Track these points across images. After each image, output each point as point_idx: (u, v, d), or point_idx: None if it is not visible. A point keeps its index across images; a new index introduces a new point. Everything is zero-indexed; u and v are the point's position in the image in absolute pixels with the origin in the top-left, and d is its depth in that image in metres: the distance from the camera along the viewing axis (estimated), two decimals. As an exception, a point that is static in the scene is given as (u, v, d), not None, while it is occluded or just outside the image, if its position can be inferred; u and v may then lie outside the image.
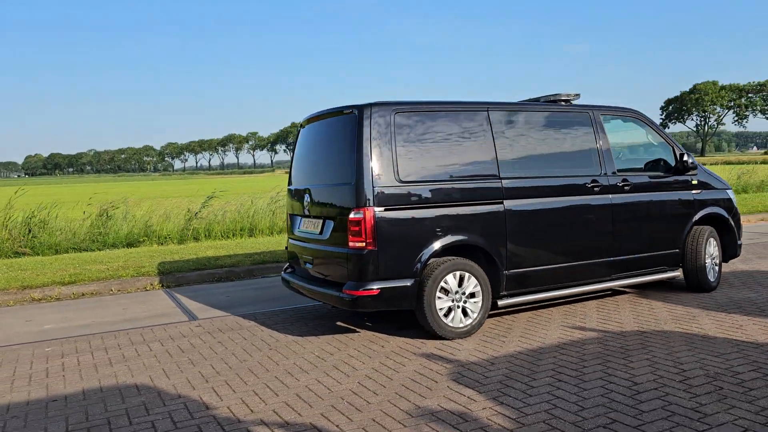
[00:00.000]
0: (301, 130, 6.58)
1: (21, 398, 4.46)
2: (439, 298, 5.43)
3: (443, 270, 5.42)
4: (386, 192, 5.27)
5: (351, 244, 5.28)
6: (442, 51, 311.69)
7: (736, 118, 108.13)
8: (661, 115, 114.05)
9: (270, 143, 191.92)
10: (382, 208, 5.24)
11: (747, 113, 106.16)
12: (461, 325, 5.52)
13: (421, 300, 5.35)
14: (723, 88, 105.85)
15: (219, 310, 7.16)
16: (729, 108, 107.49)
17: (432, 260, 5.42)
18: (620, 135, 6.68)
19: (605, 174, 6.34)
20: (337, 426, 3.70)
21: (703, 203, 6.93)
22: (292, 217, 6.54)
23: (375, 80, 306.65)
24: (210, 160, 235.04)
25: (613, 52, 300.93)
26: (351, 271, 5.30)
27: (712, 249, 6.96)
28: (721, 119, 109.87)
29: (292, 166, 6.72)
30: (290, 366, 4.93)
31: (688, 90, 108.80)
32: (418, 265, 5.34)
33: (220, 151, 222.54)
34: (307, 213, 6.05)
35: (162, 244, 12.72)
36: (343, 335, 5.81)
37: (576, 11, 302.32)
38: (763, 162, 48.86)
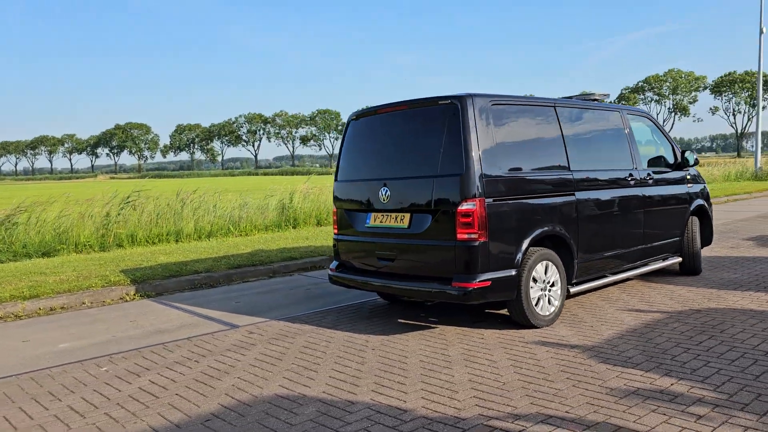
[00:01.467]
0: (354, 123, 6.32)
1: (142, 428, 3.82)
2: (531, 287, 5.55)
3: (535, 260, 5.55)
4: (491, 183, 5.27)
5: (460, 235, 5.21)
6: (277, 55, 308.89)
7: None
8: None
9: (90, 146, 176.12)
10: (491, 199, 5.24)
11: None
12: (547, 313, 5.68)
13: (519, 290, 5.43)
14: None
15: (247, 316, 6.60)
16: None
17: (529, 250, 5.53)
18: (635, 133, 7.28)
19: (636, 168, 6.89)
20: (568, 409, 3.67)
21: (694, 196, 7.78)
22: (349, 212, 6.23)
23: (199, 80, 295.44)
24: (16, 164, 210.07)
25: (439, 63, 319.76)
26: (459, 264, 5.22)
27: (699, 236, 7.85)
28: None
29: (342, 160, 6.42)
30: (420, 363, 4.73)
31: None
32: (519, 255, 5.42)
33: (29, 154, 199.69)
34: (384, 207, 5.81)
35: (81, 251, 11.30)
36: (425, 331, 5.68)
37: (404, 23, 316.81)
38: None
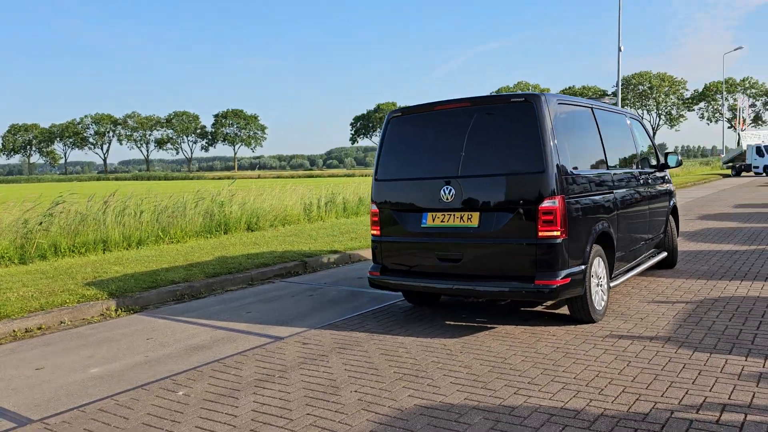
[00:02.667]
0: (397, 120, 6.09)
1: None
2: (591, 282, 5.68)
3: (594, 255, 5.69)
4: (565, 180, 5.33)
5: (542, 233, 5.19)
6: (126, 52, 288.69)
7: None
8: (351, 130, 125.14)
9: None
10: (566, 197, 5.29)
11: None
12: (600, 307, 5.84)
13: (585, 285, 5.53)
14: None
15: (276, 326, 6.10)
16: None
17: (593, 246, 5.64)
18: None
19: (641, 167, 7.32)
20: (725, 396, 3.79)
21: (671, 195, 8.42)
22: (397, 213, 5.97)
23: (37, 77, 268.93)
24: None
25: (290, 68, 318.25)
26: (541, 262, 5.20)
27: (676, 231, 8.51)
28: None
29: (384, 158, 6.14)
30: (525, 362, 4.66)
31: (373, 109, 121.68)
32: (587, 252, 5.52)
33: None
34: (446, 206, 5.63)
35: (-2, 265, 9.79)
36: (488, 332, 5.58)
37: (251, 28, 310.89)
38: None
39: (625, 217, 6.46)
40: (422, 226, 5.79)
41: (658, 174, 8.08)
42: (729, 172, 47.84)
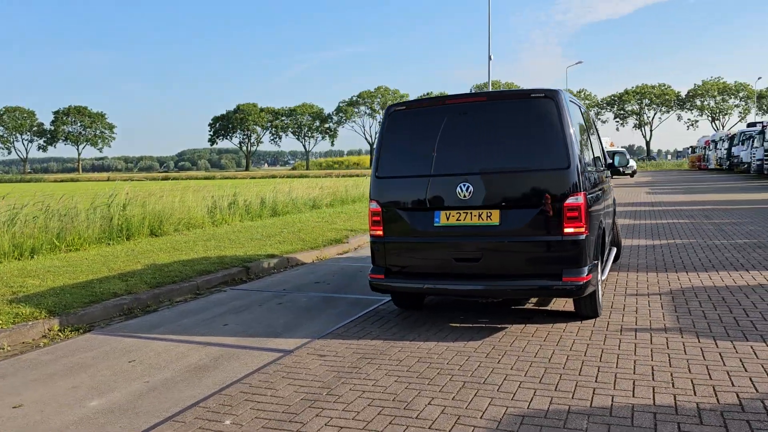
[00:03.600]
0: (398, 114, 5.78)
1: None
2: None
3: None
4: (585, 176, 5.34)
5: (567, 230, 5.16)
6: None
7: (272, 138, 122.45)
8: (210, 131, 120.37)
9: None
10: (587, 193, 5.30)
11: (281, 134, 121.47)
12: (601, 301, 5.95)
13: (597, 281, 5.59)
14: (262, 110, 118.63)
15: (269, 338, 5.54)
16: (267, 128, 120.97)
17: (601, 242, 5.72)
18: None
19: (603, 166, 7.60)
20: (792, 384, 3.97)
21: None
22: (404, 212, 5.64)
23: None
24: None
25: (137, 65, 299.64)
26: (567, 259, 5.16)
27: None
28: (260, 138, 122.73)
29: (386, 155, 5.78)
30: (565, 358, 4.59)
31: (233, 110, 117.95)
32: (599, 247, 5.58)
33: None
34: (463, 204, 5.41)
35: None
36: (503, 331, 5.46)
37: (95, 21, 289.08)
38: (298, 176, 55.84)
39: (606, 213, 6.66)
40: (435, 225, 5.52)
41: (609, 172, 8.46)
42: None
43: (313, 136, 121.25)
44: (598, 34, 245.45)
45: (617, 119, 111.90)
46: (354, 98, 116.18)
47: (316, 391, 4.17)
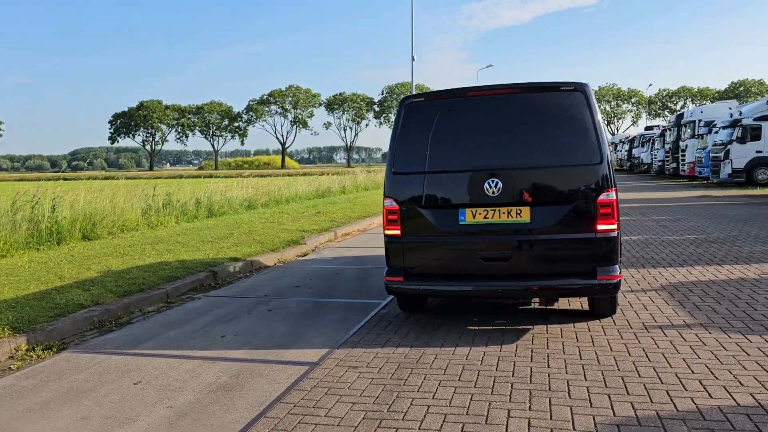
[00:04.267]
0: (415, 106, 5.43)
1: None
2: None
3: None
4: (613, 171, 5.22)
5: (601, 227, 5.00)
6: None
7: (178, 136, 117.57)
8: (110, 129, 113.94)
9: None
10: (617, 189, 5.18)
11: (188, 132, 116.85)
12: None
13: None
14: (168, 107, 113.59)
15: (282, 350, 5.04)
16: (173, 126, 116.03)
17: None
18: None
19: None
20: None
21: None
22: (426, 210, 5.29)
23: None
24: None
25: (27, 60, 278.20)
26: (600, 256, 5.01)
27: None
28: (165, 137, 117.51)
29: (403, 149, 5.41)
30: (627, 361, 4.43)
31: (135, 106, 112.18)
32: (621, 245, 5.47)
33: None
34: (490, 201, 5.13)
35: None
36: (528, 335, 5.24)
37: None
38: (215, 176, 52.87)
39: None
40: (460, 223, 5.22)
41: None
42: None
43: (222, 135, 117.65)
44: (501, 40, 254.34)
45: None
46: (265, 97, 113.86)
47: (374, 408, 3.76)
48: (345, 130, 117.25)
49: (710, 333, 5.06)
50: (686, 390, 3.87)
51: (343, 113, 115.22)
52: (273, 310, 6.41)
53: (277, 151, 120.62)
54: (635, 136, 52.33)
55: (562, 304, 6.23)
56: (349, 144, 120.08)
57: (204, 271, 8.08)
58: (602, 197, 5.00)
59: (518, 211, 5.11)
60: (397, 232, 5.38)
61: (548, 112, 5.19)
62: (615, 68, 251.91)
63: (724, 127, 26.49)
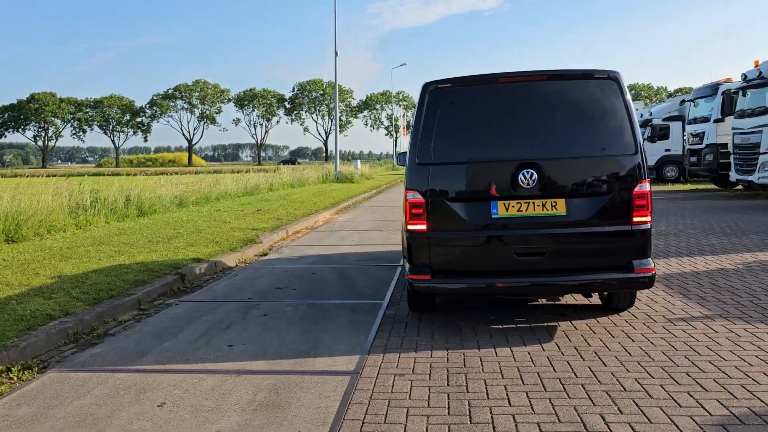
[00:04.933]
0: (441, 92, 5.08)
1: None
2: None
3: None
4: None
5: (636, 219, 4.87)
6: None
7: (74, 132, 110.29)
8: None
9: None
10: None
11: (85, 127, 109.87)
12: (629, 292, 5.79)
13: None
14: (63, 100, 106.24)
15: (307, 358, 4.56)
16: (68, 121, 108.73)
17: None
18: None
19: None
20: None
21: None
22: (454, 202, 4.96)
23: None
24: None
25: None
26: (636, 249, 4.87)
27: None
28: (60, 132, 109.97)
29: (428, 137, 5.04)
30: (677, 356, 4.32)
31: (26, 99, 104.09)
32: None
33: None
34: (524, 193, 4.87)
35: None
36: (559, 333, 5.07)
37: None
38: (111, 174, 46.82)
39: None
40: (493, 217, 4.94)
41: None
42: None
43: (123, 131, 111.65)
44: (407, 40, 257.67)
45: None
46: (170, 91, 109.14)
47: (456, 421, 3.41)
48: (255, 126, 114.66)
49: (735, 324, 5.08)
50: (759, 384, 3.79)
51: (253, 109, 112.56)
52: (269, 315, 5.87)
53: (180, 148, 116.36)
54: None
55: (568, 298, 6.11)
56: (259, 141, 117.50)
57: (171, 274, 7.36)
58: (638, 188, 4.88)
59: (554, 204, 4.90)
60: (423, 227, 5.02)
61: (581, 100, 5.01)
62: (520, 68, 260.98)
63: (635, 127, 27.88)
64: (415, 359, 4.48)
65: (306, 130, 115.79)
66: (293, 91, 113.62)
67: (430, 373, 4.17)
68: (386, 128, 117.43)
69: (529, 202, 4.90)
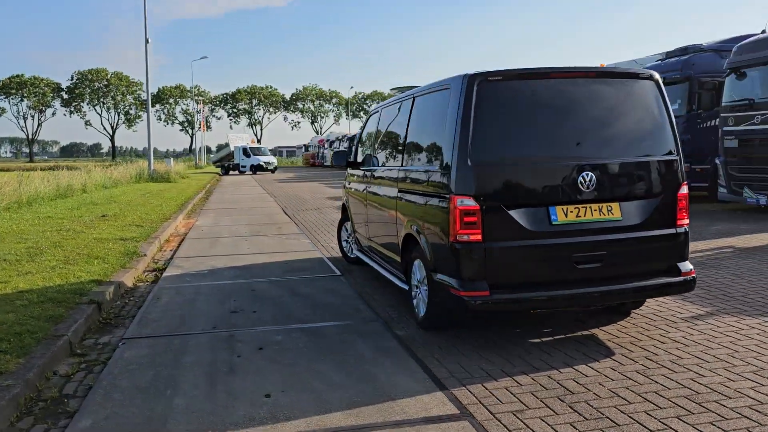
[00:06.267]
0: (488, 85, 4.51)
1: None
2: None
3: None
4: None
5: (680, 222, 4.83)
6: None
7: None
8: None
9: None
10: None
11: None
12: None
13: None
14: None
15: (392, 401, 3.76)
16: None
17: None
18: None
19: None
20: None
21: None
22: (515, 209, 4.43)
23: None
24: None
25: None
26: (679, 252, 4.82)
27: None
28: None
29: (478, 132, 4.44)
30: (738, 354, 4.33)
31: None
32: None
33: None
34: (583, 197, 4.52)
35: None
36: (604, 342, 4.87)
37: None
38: None
39: None
40: (553, 223, 4.52)
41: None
42: (219, 170, 51.27)
43: None
44: (188, 32, 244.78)
45: (230, 117, 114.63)
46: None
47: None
48: (25, 118, 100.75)
49: (755, 318, 5.24)
50: None
51: (23, 99, 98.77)
52: (267, 348, 4.83)
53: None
54: (355, 135, 55.51)
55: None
56: (31, 136, 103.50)
57: (84, 303, 5.82)
58: (681, 191, 4.84)
59: (609, 208, 4.65)
60: (478, 236, 4.44)
61: (628, 100, 4.82)
62: (313, 69, 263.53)
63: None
64: (506, 389, 3.91)
65: (88, 123, 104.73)
66: (72, 80, 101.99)
67: (546, 404, 3.64)
68: (181, 123, 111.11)
69: (586, 207, 4.59)
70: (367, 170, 6.99)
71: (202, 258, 9.10)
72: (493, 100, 4.53)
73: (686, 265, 4.84)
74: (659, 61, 16.54)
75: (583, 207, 4.58)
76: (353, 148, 8.04)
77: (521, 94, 4.62)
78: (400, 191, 5.68)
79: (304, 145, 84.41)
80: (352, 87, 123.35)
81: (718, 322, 5.20)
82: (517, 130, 4.61)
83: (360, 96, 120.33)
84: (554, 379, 4.06)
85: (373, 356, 4.59)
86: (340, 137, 61.54)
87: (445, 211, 4.57)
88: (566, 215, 4.55)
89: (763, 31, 13.70)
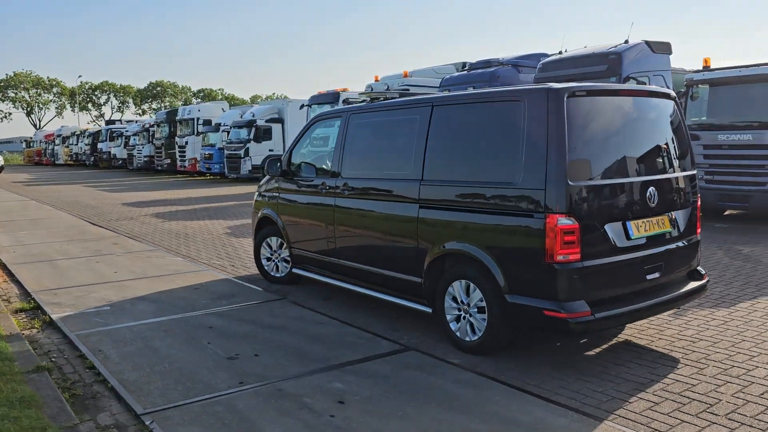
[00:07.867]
0: (577, 101, 4.41)
1: None
2: None
3: None
4: None
5: (698, 229, 5.29)
6: None
7: None
8: None
9: None
10: None
11: None
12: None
13: None
14: None
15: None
16: None
17: None
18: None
19: None
20: None
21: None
22: (609, 225, 4.43)
23: None
24: None
25: None
26: (697, 257, 5.28)
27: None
28: None
29: (577, 150, 4.31)
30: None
31: None
32: None
33: None
34: (648, 212, 4.70)
35: None
36: (653, 351, 5.13)
37: None
38: None
39: None
40: (631, 237, 4.60)
41: None
42: None
43: None
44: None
45: None
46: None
47: None
48: None
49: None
50: None
51: None
52: (350, 402, 4.07)
53: None
54: (100, 130, 49.66)
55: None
56: None
57: (33, 372, 4.25)
58: (699, 201, 5.31)
59: (662, 221, 4.91)
60: (577, 255, 4.32)
61: (665, 116, 5.14)
62: (32, 54, 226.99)
63: (239, 127, 28.27)
64: (651, 410, 3.87)
65: None
66: None
67: (705, 419, 3.70)
68: None
69: (650, 221, 4.79)
70: (334, 182, 6.27)
71: (73, 289, 7.29)
72: (579, 115, 4.45)
73: (701, 269, 5.34)
74: (464, 72, 17.95)
75: (648, 221, 4.76)
76: (284, 156, 7.21)
77: (600, 111, 4.65)
78: (423, 207, 5.23)
79: (25, 140, 72.96)
80: (80, 76, 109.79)
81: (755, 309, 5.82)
82: (600, 147, 4.61)
83: (87, 86, 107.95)
84: (673, 391, 4.14)
85: (474, 393, 4.17)
86: (77, 132, 54.44)
87: (537, 231, 4.35)
88: (638, 230, 4.68)
89: (560, 52, 15.77)
